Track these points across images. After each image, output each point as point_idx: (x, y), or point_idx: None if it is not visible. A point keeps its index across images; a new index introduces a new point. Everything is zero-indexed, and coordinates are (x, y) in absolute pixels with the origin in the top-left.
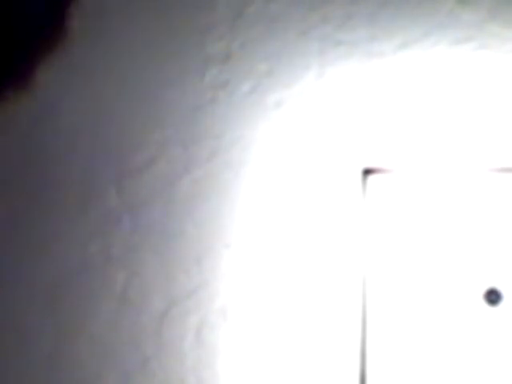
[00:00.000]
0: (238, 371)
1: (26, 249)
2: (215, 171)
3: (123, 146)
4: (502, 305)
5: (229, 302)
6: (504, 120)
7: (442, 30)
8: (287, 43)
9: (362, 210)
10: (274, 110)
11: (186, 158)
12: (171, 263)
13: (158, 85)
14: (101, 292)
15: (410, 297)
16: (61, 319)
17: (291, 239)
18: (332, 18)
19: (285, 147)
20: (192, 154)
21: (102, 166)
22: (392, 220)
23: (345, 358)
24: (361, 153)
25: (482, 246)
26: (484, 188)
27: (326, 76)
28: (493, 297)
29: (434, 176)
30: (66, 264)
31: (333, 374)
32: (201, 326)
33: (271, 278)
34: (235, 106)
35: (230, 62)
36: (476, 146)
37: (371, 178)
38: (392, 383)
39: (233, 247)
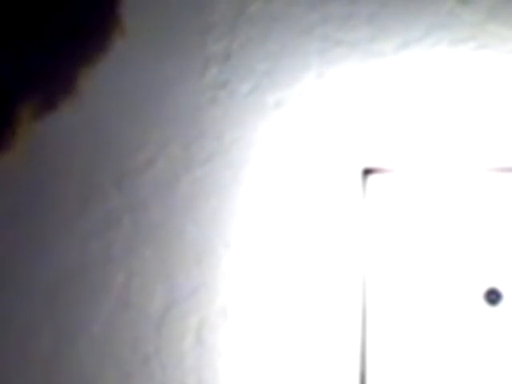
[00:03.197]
0: (237, 371)
1: (26, 249)
2: (215, 171)
3: (123, 146)
4: (502, 305)
5: (229, 302)
6: (504, 120)
7: (442, 30)
8: (287, 43)
9: (362, 210)
10: (274, 110)
11: (186, 158)
12: (171, 263)
13: (158, 85)
14: (101, 292)
15: (410, 297)
16: (61, 319)
17: (291, 239)
18: (332, 17)
19: (285, 147)
20: (192, 154)
21: (101, 166)
22: (392, 220)
23: (345, 357)
24: (361, 153)
25: (482, 246)
26: (484, 188)
27: (326, 76)
28: (493, 297)
29: (433, 176)
30: (66, 264)
31: (333, 374)
32: (201, 326)
33: (271, 277)
34: (235, 106)
35: (230, 62)
36: (476, 146)
37: (371, 177)
38: (392, 383)
39: (232, 247)
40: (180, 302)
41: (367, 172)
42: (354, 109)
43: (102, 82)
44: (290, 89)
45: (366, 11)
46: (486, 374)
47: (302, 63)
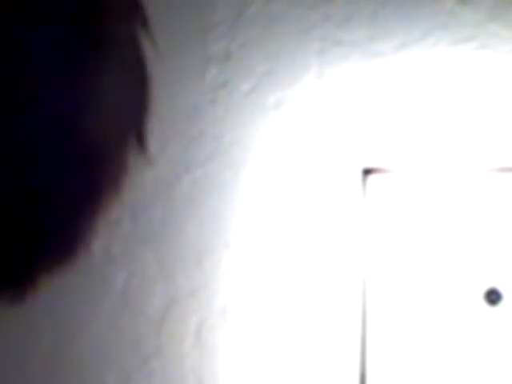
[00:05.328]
0: (237, 371)
1: None
2: (215, 171)
3: None
4: (502, 305)
5: (229, 302)
6: (504, 120)
7: (442, 30)
8: (287, 43)
9: (362, 210)
10: (274, 110)
11: (186, 158)
12: (171, 263)
13: (157, 85)
14: (101, 292)
15: (410, 297)
16: (61, 319)
17: (291, 239)
18: (332, 17)
19: (284, 147)
20: (192, 153)
21: None
22: (392, 220)
23: (345, 358)
24: (361, 153)
25: (482, 246)
26: (484, 188)
27: (326, 76)
28: (493, 297)
29: (434, 176)
30: None
31: (333, 374)
32: (201, 326)
33: (271, 277)
34: (235, 106)
35: (230, 62)
36: (476, 146)
37: (371, 178)
38: (392, 383)
39: (232, 247)
40: (180, 302)
41: (367, 172)
42: (354, 109)
43: None
44: (290, 89)
45: (366, 11)
46: (486, 373)
47: (302, 63)
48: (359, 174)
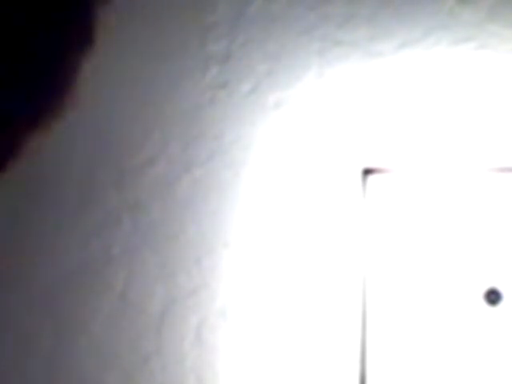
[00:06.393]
0: (237, 371)
1: (26, 249)
2: (215, 171)
3: (123, 146)
4: (502, 305)
5: (229, 302)
6: (504, 120)
7: (442, 30)
8: (287, 43)
9: (362, 210)
10: (274, 110)
11: (186, 158)
12: (171, 263)
13: (158, 85)
14: (101, 292)
15: (410, 297)
16: (61, 319)
17: (291, 239)
18: (332, 17)
19: (284, 147)
20: (192, 154)
21: (101, 166)
22: (392, 220)
23: (345, 357)
24: (361, 153)
25: (482, 246)
26: (484, 188)
27: (326, 76)
28: (493, 297)
29: (434, 176)
30: (66, 264)
31: (333, 374)
32: (201, 325)
33: (271, 277)
34: (235, 106)
35: (230, 62)
36: (476, 146)
37: (371, 177)
38: (392, 383)
39: (232, 247)
40: (180, 302)
41: (367, 172)
42: (354, 109)
43: (102, 81)
44: (290, 89)
45: (366, 11)
46: (486, 374)
47: (302, 63)
48: (359, 174)
